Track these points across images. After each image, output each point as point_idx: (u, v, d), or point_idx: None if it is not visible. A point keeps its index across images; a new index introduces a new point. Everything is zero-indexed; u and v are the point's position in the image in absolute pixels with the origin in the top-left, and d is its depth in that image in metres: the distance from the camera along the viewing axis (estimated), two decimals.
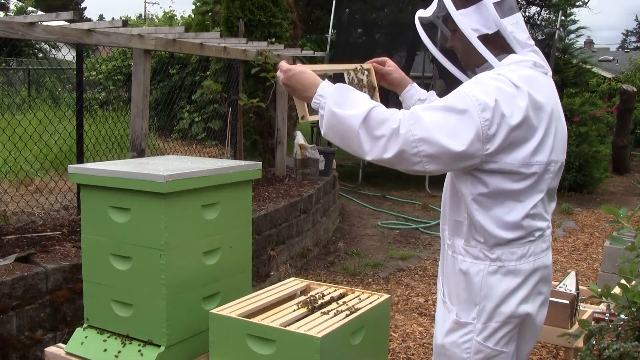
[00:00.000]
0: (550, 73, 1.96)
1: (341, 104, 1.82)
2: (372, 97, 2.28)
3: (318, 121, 1.91)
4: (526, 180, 1.83)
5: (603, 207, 2.11)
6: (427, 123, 1.74)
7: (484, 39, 1.87)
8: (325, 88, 1.88)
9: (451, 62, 2.04)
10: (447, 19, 1.94)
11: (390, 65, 2.32)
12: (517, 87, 1.78)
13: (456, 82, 2.01)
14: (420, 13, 2.05)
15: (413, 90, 2.30)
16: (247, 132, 7.51)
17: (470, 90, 1.77)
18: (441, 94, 2.32)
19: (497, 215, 1.85)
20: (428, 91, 2.34)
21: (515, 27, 1.89)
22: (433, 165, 1.77)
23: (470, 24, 1.87)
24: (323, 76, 1.98)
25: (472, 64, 1.98)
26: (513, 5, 1.92)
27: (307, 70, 1.96)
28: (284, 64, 2.01)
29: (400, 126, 1.74)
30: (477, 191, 1.85)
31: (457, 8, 1.87)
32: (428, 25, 2.04)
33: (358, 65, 2.26)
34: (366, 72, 2.27)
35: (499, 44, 1.89)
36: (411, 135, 1.73)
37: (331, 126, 1.84)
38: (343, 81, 2.15)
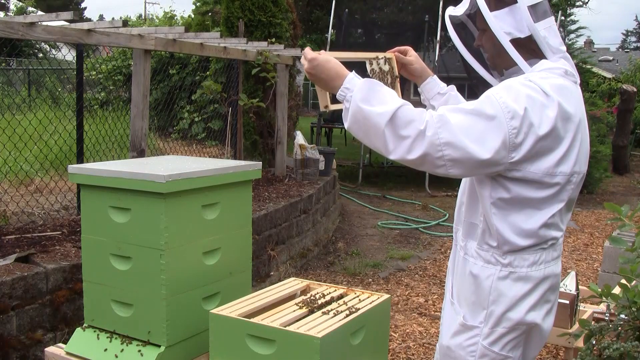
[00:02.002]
0: (579, 81, 1.92)
1: (368, 100, 1.78)
2: (393, 86, 2.25)
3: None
4: (548, 189, 1.81)
5: (605, 204, 2.11)
6: (455, 127, 1.71)
7: (516, 42, 1.84)
8: (353, 81, 1.84)
9: (479, 62, 2.00)
10: (478, 18, 1.91)
11: (412, 55, 2.27)
12: (547, 95, 1.75)
13: (482, 83, 1.99)
14: (451, 11, 2.02)
15: (433, 83, 2.26)
16: (247, 132, 7.51)
17: (501, 97, 1.73)
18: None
19: (514, 221, 1.83)
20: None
21: (548, 31, 1.85)
22: (456, 170, 1.75)
23: (503, 27, 1.83)
24: (345, 64, 1.94)
25: (500, 66, 1.95)
26: (547, 8, 1.88)
27: (332, 59, 1.91)
28: (308, 52, 1.93)
29: (427, 128, 1.71)
30: (497, 195, 1.83)
31: (491, 9, 1.83)
32: (457, 23, 2.01)
33: (380, 54, 2.22)
34: (388, 61, 2.24)
35: (530, 49, 1.86)
36: (437, 138, 1.71)
37: (356, 120, 1.80)
38: (365, 69, 2.14)
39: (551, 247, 1.89)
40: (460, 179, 2.08)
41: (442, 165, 1.74)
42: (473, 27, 2.00)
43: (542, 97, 1.75)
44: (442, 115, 1.72)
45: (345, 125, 1.85)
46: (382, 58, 2.22)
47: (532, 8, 1.83)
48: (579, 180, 1.87)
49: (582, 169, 1.88)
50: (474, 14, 1.94)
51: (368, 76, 2.11)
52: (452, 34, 2.00)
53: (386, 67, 2.23)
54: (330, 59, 1.91)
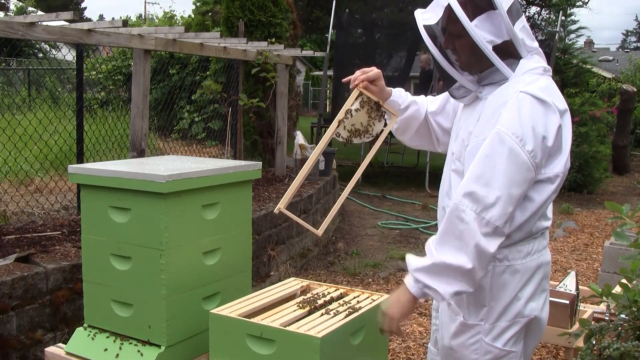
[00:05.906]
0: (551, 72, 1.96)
1: (439, 274, 1.86)
2: (378, 116, 2.15)
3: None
4: (555, 184, 1.86)
5: (606, 203, 2.11)
6: (481, 191, 1.75)
7: (495, 48, 1.83)
8: (414, 280, 1.99)
9: (451, 64, 1.95)
10: (454, 25, 1.86)
11: (379, 85, 2.15)
12: (544, 102, 1.78)
13: (454, 83, 1.97)
14: (425, 20, 1.94)
15: (394, 102, 2.19)
16: (247, 132, 7.51)
17: (508, 127, 1.76)
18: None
19: (515, 217, 1.85)
20: (428, 94, 2.29)
21: (523, 31, 1.86)
22: (501, 220, 1.77)
23: (485, 36, 1.81)
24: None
25: (475, 69, 1.93)
26: (518, 6, 1.88)
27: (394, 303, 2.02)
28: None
29: (467, 216, 1.77)
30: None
31: (470, 19, 1.80)
32: (430, 28, 1.95)
33: (338, 118, 2.14)
34: (356, 105, 2.13)
35: (507, 51, 1.86)
36: (475, 215, 1.76)
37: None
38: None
39: (541, 235, 1.94)
40: (439, 181, 2.10)
41: (486, 225, 1.76)
42: (442, 29, 1.93)
43: (541, 106, 1.78)
44: (471, 193, 1.77)
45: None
46: (343, 119, 2.14)
47: (509, 10, 1.82)
48: None
49: None
50: (448, 19, 1.88)
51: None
52: (427, 41, 1.92)
53: (354, 114, 2.12)
54: (393, 302, 2.02)
